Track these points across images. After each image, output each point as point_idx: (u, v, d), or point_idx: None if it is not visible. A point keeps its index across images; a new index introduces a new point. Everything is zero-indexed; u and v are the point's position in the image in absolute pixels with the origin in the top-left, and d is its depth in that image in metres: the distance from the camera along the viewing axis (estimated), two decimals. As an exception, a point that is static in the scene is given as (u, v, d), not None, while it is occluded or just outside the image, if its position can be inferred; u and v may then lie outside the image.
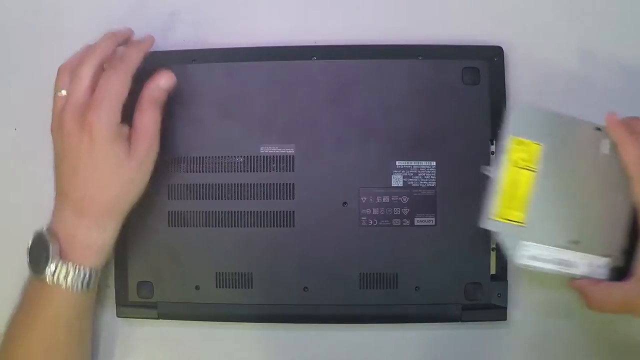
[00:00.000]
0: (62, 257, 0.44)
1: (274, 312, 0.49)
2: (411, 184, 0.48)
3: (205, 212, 0.49)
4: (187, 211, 0.49)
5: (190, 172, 0.49)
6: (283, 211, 0.49)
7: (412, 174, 0.48)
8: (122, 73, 0.43)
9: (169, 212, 0.49)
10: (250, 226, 0.49)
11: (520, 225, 0.43)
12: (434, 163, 0.48)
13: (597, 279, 0.43)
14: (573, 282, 0.44)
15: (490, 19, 0.51)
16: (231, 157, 0.49)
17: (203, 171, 0.49)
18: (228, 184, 0.49)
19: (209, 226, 0.49)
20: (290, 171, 0.49)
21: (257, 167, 0.49)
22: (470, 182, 0.48)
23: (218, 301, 0.49)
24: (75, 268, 0.44)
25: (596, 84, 0.50)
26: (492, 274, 0.48)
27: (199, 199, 0.49)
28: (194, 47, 0.51)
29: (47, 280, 0.43)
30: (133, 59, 0.44)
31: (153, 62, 0.50)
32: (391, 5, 0.51)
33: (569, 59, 0.50)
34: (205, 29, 0.52)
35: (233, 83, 0.49)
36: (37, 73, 0.53)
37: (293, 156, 0.49)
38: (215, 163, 0.49)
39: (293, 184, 0.49)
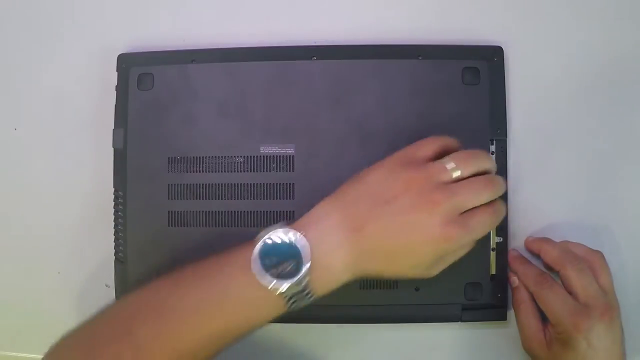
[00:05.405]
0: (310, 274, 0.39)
1: (274, 312, 0.49)
2: (411, 184, 0.48)
3: (205, 212, 0.49)
4: (187, 211, 0.49)
5: (190, 172, 0.49)
6: (283, 211, 0.49)
7: (412, 174, 0.48)
8: (493, 219, 0.41)
9: (169, 212, 0.49)
10: (250, 226, 0.49)
11: None
12: (434, 163, 0.48)
13: None
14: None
15: (490, 19, 0.51)
16: (231, 157, 0.49)
17: (203, 171, 0.49)
18: (228, 184, 0.49)
19: (209, 226, 0.49)
20: (290, 171, 0.49)
21: (257, 167, 0.49)
22: (470, 182, 0.48)
23: (218, 301, 0.49)
24: (309, 291, 0.39)
25: (596, 83, 0.50)
26: (492, 274, 0.48)
27: (199, 199, 0.49)
28: (194, 47, 0.51)
29: (275, 288, 0.38)
30: (502, 214, 0.42)
31: (153, 62, 0.50)
32: (391, 5, 0.51)
33: (569, 58, 0.50)
34: (205, 29, 0.52)
35: (233, 83, 0.49)
36: (37, 73, 0.53)
37: (293, 156, 0.49)
38: (215, 163, 0.49)
39: (293, 184, 0.49)
